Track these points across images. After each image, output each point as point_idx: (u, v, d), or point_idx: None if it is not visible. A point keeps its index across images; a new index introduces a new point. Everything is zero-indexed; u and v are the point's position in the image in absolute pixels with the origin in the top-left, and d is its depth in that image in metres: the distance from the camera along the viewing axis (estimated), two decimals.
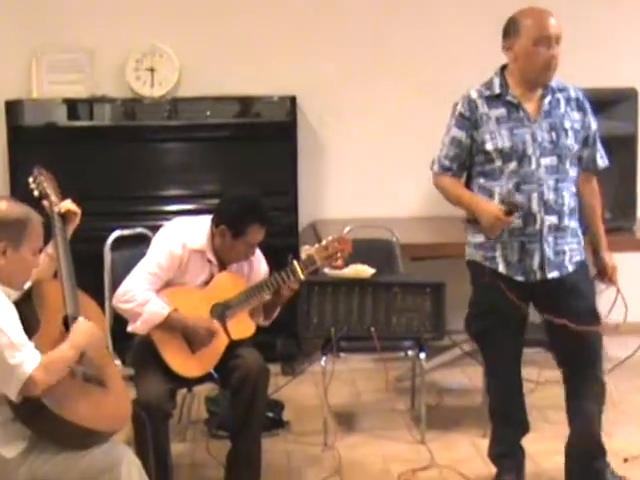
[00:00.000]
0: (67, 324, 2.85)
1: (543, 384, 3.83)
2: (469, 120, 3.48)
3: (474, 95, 3.51)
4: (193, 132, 5.36)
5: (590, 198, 3.61)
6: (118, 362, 3.74)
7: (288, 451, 4.18)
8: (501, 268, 3.51)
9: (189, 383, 3.74)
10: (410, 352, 4.23)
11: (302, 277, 3.71)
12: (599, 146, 3.61)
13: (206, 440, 4.13)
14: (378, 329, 4.04)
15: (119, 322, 3.76)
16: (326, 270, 4.04)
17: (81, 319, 2.83)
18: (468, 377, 5.05)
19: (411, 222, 5.48)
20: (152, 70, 5.43)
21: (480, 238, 3.54)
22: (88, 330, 2.81)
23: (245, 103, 5.41)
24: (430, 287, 4.08)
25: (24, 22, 5.39)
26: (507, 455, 3.72)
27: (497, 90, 3.48)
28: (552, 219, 3.46)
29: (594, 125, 3.58)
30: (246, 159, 5.25)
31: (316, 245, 3.79)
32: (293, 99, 5.31)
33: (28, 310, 2.82)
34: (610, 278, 3.59)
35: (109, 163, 5.22)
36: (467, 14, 5.56)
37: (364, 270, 4.13)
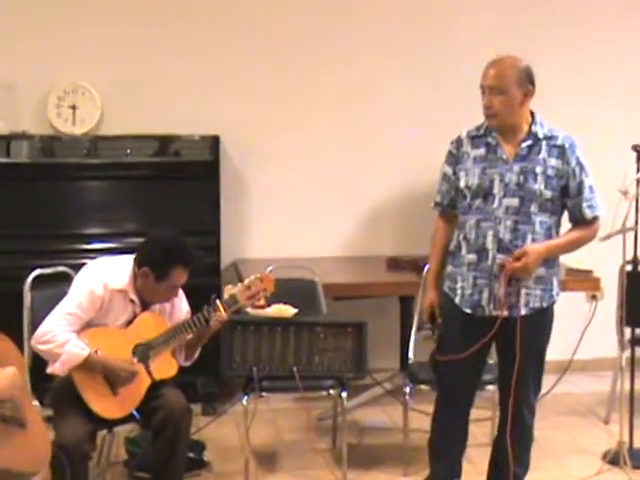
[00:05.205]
0: None
1: None
2: (454, 157, 3.64)
3: (463, 134, 3.66)
4: (113, 170, 5.30)
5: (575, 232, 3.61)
6: (36, 403, 3.67)
7: None
8: (457, 299, 3.61)
9: (110, 424, 3.68)
10: (332, 391, 4.24)
11: (225, 316, 3.71)
12: (588, 196, 3.55)
13: None
14: (300, 369, 4.06)
15: (38, 362, 3.70)
16: (249, 309, 4.04)
17: None
18: (389, 416, 5.08)
19: (333, 262, 5.53)
20: (74, 107, 5.40)
21: (449, 268, 3.66)
22: (9, 378, 2.76)
23: (166, 142, 5.36)
24: (352, 327, 4.11)
25: None
26: None
27: (482, 130, 3.61)
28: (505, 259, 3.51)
29: (581, 176, 3.54)
30: (168, 198, 5.23)
31: (239, 285, 3.80)
32: (216, 138, 5.33)
33: None
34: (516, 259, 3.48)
35: (28, 201, 5.13)
36: (389, 55, 5.62)
37: (286, 310, 4.15)
